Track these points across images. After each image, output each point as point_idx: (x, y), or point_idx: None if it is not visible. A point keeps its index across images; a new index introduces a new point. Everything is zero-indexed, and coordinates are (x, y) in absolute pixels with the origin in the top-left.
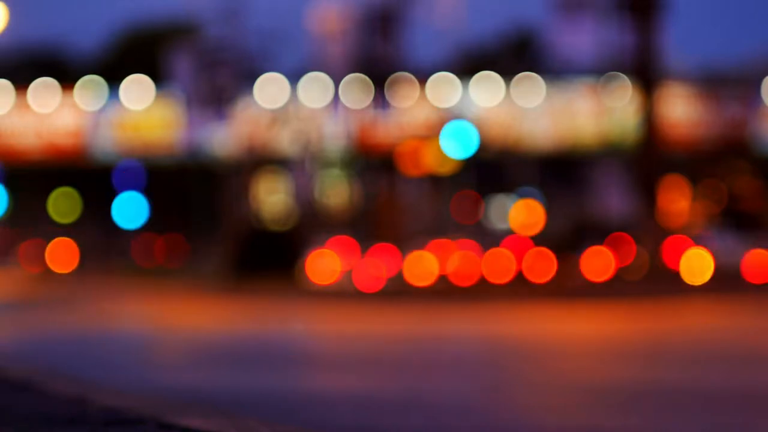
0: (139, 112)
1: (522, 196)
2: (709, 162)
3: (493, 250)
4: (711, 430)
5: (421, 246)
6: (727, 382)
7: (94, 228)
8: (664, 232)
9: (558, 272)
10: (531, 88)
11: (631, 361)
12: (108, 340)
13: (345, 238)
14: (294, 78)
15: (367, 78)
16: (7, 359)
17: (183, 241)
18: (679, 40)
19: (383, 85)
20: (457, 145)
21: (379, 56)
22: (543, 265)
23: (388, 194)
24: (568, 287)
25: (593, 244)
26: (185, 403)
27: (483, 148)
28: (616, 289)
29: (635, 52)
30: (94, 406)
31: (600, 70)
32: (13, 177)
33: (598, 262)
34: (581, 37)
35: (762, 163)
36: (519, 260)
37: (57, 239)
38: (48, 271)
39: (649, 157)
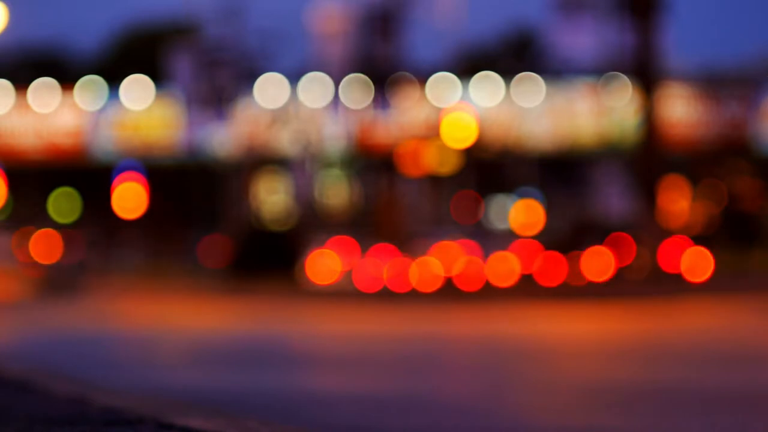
0: (139, 112)
1: (522, 196)
2: (709, 162)
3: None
4: (711, 430)
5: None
6: (727, 382)
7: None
8: (664, 232)
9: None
10: (531, 88)
11: (631, 361)
12: (108, 340)
13: (345, 238)
14: (294, 78)
15: (367, 78)
16: (7, 359)
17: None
18: (679, 40)
19: (383, 85)
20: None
21: (379, 56)
22: (551, 268)
23: (388, 194)
24: (568, 287)
25: (593, 244)
26: (185, 403)
27: (483, 148)
28: (617, 289)
29: (635, 52)
30: (94, 406)
31: (600, 70)
32: (13, 177)
33: (598, 262)
34: (581, 37)
35: (762, 163)
36: (527, 263)
37: None
38: None
39: (649, 157)
